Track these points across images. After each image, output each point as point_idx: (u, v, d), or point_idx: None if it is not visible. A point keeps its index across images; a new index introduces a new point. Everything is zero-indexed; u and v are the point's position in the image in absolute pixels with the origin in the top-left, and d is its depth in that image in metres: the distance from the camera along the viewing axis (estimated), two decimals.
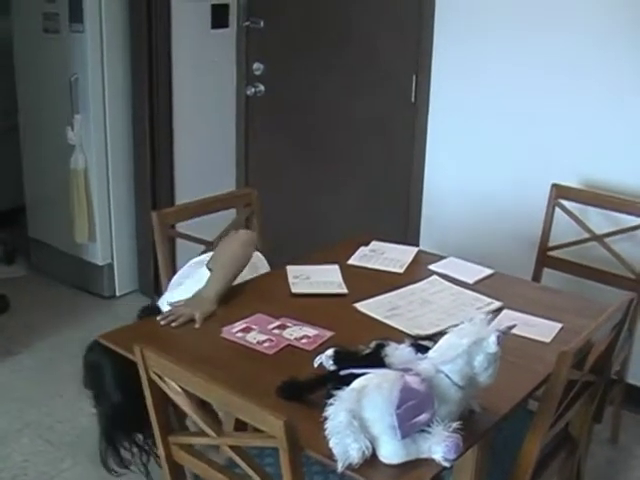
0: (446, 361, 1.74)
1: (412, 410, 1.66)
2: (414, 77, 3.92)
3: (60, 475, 3.11)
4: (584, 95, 3.41)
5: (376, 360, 1.86)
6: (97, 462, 3.13)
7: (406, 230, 4.07)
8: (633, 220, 3.19)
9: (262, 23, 4.35)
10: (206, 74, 4.39)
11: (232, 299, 2.50)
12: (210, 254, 2.60)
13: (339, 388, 1.77)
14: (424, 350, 1.85)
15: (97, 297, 4.63)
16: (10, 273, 4.94)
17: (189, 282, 2.51)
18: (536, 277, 3.36)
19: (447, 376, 1.74)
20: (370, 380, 1.71)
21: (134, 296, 4.68)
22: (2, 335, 4.11)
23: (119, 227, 4.53)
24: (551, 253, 3.36)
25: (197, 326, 2.30)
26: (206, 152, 4.46)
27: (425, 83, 3.86)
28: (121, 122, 4.37)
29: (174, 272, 2.85)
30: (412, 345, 1.89)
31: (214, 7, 4.36)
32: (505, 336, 1.79)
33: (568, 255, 3.34)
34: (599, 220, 3.34)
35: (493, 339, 1.75)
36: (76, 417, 3.49)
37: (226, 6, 4.38)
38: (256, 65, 4.40)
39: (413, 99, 3.95)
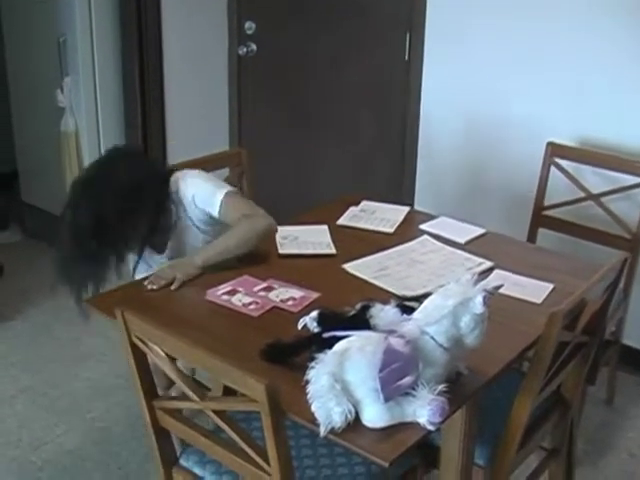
0: (431, 322, 1.71)
1: (396, 373, 1.62)
2: (407, 35, 3.85)
3: (54, 441, 3.10)
4: (581, 52, 3.35)
5: (361, 322, 1.83)
6: (91, 427, 3.15)
7: (401, 190, 4.03)
8: (629, 179, 3.15)
9: None
10: (197, 34, 4.32)
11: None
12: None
13: (322, 351, 1.74)
14: (410, 311, 1.81)
15: None
16: (4, 239, 4.90)
17: None
18: (531, 237, 3.33)
19: (432, 338, 1.71)
20: (353, 343, 1.68)
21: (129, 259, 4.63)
22: None
23: None
24: (546, 212, 3.33)
25: (173, 288, 2.25)
26: (198, 112, 4.40)
27: (419, 41, 3.80)
28: (111, 84, 4.30)
29: None
30: (398, 306, 1.86)
31: None
32: (492, 296, 1.75)
33: (563, 215, 3.30)
34: (595, 179, 3.30)
35: (479, 299, 1.71)
36: (70, 382, 3.47)
37: None
38: (248, 24, 4.32)
39: (407, 57, 3.89)
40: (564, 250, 3.38)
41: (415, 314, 1.75)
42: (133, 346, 1.90)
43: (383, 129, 4.12)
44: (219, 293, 2.21)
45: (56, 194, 4.41)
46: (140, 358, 1.92)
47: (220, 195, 2.44)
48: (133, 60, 4.22)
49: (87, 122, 4.28)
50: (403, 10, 3.83)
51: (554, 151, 3.29)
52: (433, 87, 3.83)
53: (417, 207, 3.89)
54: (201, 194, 2.47)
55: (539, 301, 2.25)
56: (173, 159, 4.33)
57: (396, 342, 1.67)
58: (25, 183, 4.84)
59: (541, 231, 3.33)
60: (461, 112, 3.78)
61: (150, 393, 1.99)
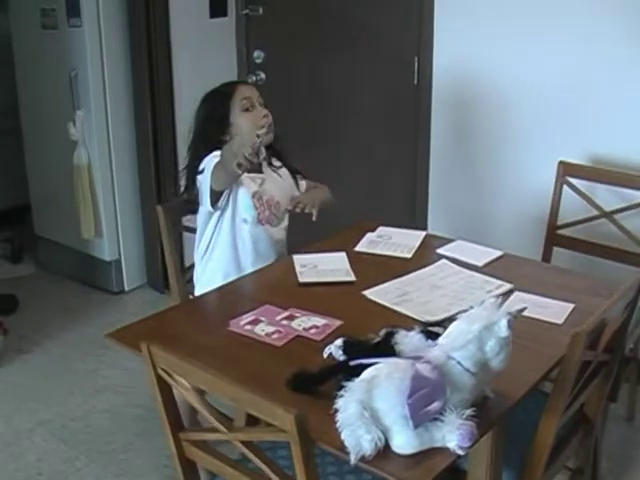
0: (457, 347, 1.71)
1: (424, 399, 1.63)
2: (416, 59, 3.88)
3: (76, 474, 3.10)
4: (591, 70, 3.36)
5: (386, 348, 1.83)
6: (112, 460, 3.15)
7: (414, 214, 4.04)
8: None
9: (261, 10, 4.31)
10: (207, 64, 4.34)
11: (239, 291, 2.49)
12: None
13: (349, 379, 1.74)
14: (434, 337, 1.82)
15: (106, 293, 4.62)
16: (18, 272, 4.93)
17: None
18: (546, 256, 3.33)
19: (459, 363, 1.71)
20: (380, 370, 1.68)
21: (143, 290, 4.67)
22: (13, 334, 4.09)
23: (125, 222, 4.51)
24: (560, 232, 3.33)
25: (314, 218, 2.71)
26: None
27: (427, 64, 3.82)
28: (123, 116, 4.34)
29: (182, 266, 2.86)
30: (422, 332, 1.86)
31: None
32: (516, 319, 1.76)
33: (577, 233, 3.30)
34: (607, 197, 3.30)
35: (504, 323, 1.72)
36: (89, 415, 3.48)
37: None
38: (257, 53, 4.36)
39: (416, 81, 3.91)
40: (579, 269, 3.39)
41: (440, 339, 1.76)
42: (159, 379, 1.90)
43: (395, 152, 4.13)
44: (242, 323, 2.22)
45: (69, 227, 4.49)
46: (166, 390, 1.92)
47: (305, 180, 2.97)
48: (144, 93, 4.26)
49: (99, 155, 4.32)
50: (411, 35, 3.86)
51: (566, 170, 3.30)
52: (442, 110, 3.84)
53: (430, 228, 3.91)
54: (297, 173, 2.97)
55: (560, 321, 2.26)
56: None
57: (423, 368, 1.68)
58: (38, 216, 4.88)
59: (556, 250, 3.33)
60: (471, 133, 3.79)
61: (176, 425, 1.99)
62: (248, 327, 2.20)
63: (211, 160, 2.67)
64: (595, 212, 3.27)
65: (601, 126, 3.38)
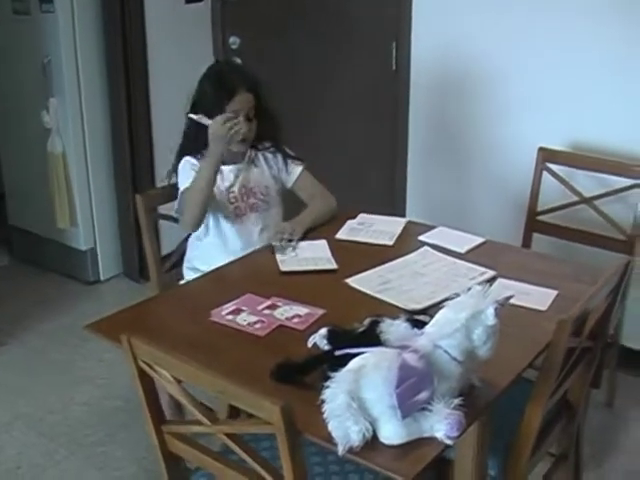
0: (444, 336, 1.69)
1: (412, 388, 1.61)
2: (394, 44, 3.85)
3: (55, 467, 3.06)
4: (570, 54, 3.36)
5: (372, 337, 1.81)
6: (91, 452, 3.11)
7: (393, 202, 4.02)
8: (622, 181, 3.15)
9: None
10: (182, 50, 4.29)
11: (220, 280, 2.46)
12: None
13: (335, 369, 1.72)
14: (420, 325, 1.80)
15: (82, 283, 4.56)
16: None
17: None
18: (526, 242, 3.33)
19: (446, 351, 1.69)
20: (367, 360, 1.66)
21: (119, 280, 4.61)
22: None
23: (100, 211, 4.45)
24: (540, 218, 3.33)
25: (296, 237, 2.66)
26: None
27: (405, 50, 3.80)
28: (97, 103, 4.27)
29: (160, 255, 2.84)
30: (408, 320, 1.84)
31: None
32: (503, 307, 1.74)
33: (557, 219, 3.30)
34: (587, 183, 3.30)
35: (491, 311, 1.70)
36: (67, 407, 3.44)
37: None
38: (232, 39, 4.32)
39: (394, 67, 3.88)
40: (559, 255, 3.39)
41: (427, 328, 1.74)
42: (140, 371, 1.87)
43: (373, 139, 4.11)
44: (223, 313, 2.19)
45: (43, 216, 4.42)
46: (148, 383, 1.89)
47: (300, 167, 2.92)
48: (119, 79, 4.20)
49: (74, 143, 4.25)
50: (389, 19, 3.83)
51: (545, 156, 3.30)
52: (421, 95, 3.82)
53: (409, 216, 3.88)
54: (289, 157, 2.92)
55: (545, 308, 2.25)
56: (160, 174, 4.30)
57: (410, 357, 1.66)
58: (12, 206, 4.80)
59: (535, 236, 3.33)
60: (450, 120, 3.78)
61: (158, 418, 1.96)
62: (230, 317, 2.17)
63: (184, 170, 2.75)
64: (575, 198, 3.26)
65: (581, 112, 3.38)
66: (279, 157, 2.92)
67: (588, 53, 3.30)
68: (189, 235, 2.90)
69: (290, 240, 2.63)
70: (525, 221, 3.34)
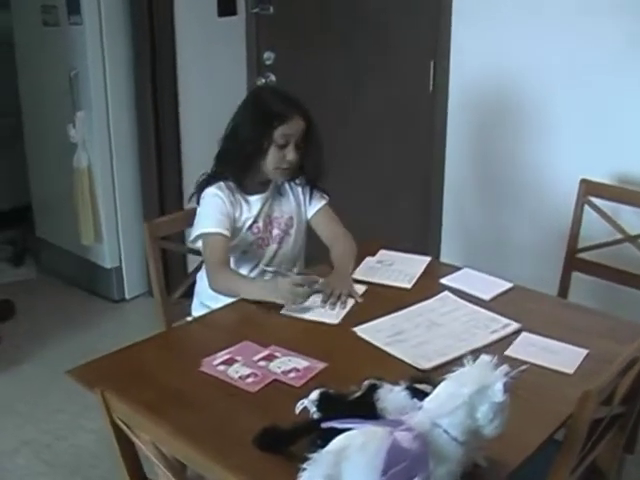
0: (444, 413, 1.49)
1: (401, 474, 1.41)
2: (432, 63, 3.66)
3: None
4: (618, 80, 3.13)
5: (366, 406, 1.62)
6: None
7: (426, 235, 3.82)
8: None
9: (272, 9, 4.12)
10: (214, 66, 4.16)
11: (219, 322, 2.30)
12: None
13: (324, 439, 1.53)
14: (421, 395, 1.60)
15: (106, 300, 4.46)
16: (19, 275, 4.77)
17: None
18: (564, 281, 3.11)
19: (445, 431, 1.49)
20: (353, 439, 1.46)
21: (144, 299, 4.48)
22: (7, 343, 3.94)
23: (126, 228, 4.33)
24: (580, 255, 3.10)
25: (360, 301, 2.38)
26: (215, 146, 4.22)
27: (444, 70, 3.61)
28: (125, 118, 4.16)
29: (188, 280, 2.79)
30: (407, 388, 1.64)
31: None
32: (514, 380, 1.53)
33: (599, 258, 3.07)
34: (633, 219, 3.07)
35: (499, 387, 1.49)
36: (75, 434, 3.31)
37: None
38: (267, 54, 4.17)
39: (431, 88, 3.68)
40: (600, 296, 3.18)
41: (426, 403, 1.54)
42: (115, 427, 1.71)
43: (406, 166, 3.92)
44: (215, 363, 2.01)
45: (69, 231, 4.32)
46: (124, 440, 1.73)
47: (324, 202, 2.74)
48: (147, 94, 4.08)
49: (100, 158, 4.16)
50: (427, 38, 3.64)
51: (588, 189, 3.07)
52: (459, 120, 3.62)
53: (443, 250, 3.72)
54: (315, 190, 2.73)
55: (571, 371, 2.02)
56: (188, 192, 4.14)
57: (403, 437, 1.46)
58: (39, 218, 4.73)
59: (575, 275, 3.11)
60: (488, 147, 3.58)
61: (137, 477, 1.80)
62: (221, 368, 1.99)
63: (210, 205, 2.57)
64: (619, 235, 3.04)
65: (627, 142, 3.16)
66: (307, 188, 2.75)
67: (635, 80, 3.06)
68: (201, 262, 2.73)
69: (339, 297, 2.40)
70: (564, 258, 3.11)
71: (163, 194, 4.26)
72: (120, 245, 4.35)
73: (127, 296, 4.47)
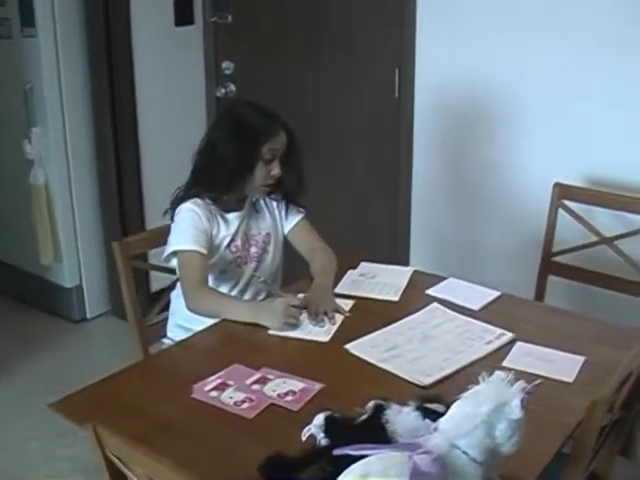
0: (462, 434, 1.44)
1: None
2: (397, 70, 3.61)
3: None
4: (587, 86, 3.11)
5: (376, 428, 1.57)
6: None
7: (395, 244, 3.77)
8: None
9: (230, 18, 4.05)
10: (172, 76, 4.07)
11: (203, 345, 2.22)
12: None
13: (333, 465, 1.47)
14: (433, 416, 1.54)
15: (67, 321, 4.32)
16: None
17: None
18: (540, 285, 3.09)
19: (464, 452, 1.44)
20: (371, 466, 1.40)
21: (106, 318, 4.37)
22: None
23: (86, 245, 4.21)
24: (556, 259, 3.10)
25: (348, 315, 2.32)
26: (176, 160, 4.07)
27: (409, 76, 3.56)
28: (82, 133, 4.04)
29: (149, 299, 2.62)
30: (418, 409, 1.59)
31: (177, 2, 4.04)
32: (530, 395, 1.49)
33: (574, 261, 3.07)
34: (607, 221, 3.06)
35: (517, 403, 1.44)
36: (49, 463, 3.19)
37: (190, 0, 4.07)
38: (226, 64, 4.09)
39: (397, 94, 3.64)
40: (576, 298, 3.17)
41: (442, 424, 1.48)
42: (109, 464, 1.62)
43: (373, 171, 3.87)
44: (207, 389, 1.93)
45: (27, 250, 4.18)
46: (118, 476, 1.64)
47: (301, 215, 2.68)
48: (105, 107, 3.97)
49: (58, 174, 4.03)
50: (391, 44, 3.60)
51: (561, 193, 3.06)
52: (426, 125, 3.59)
53: (413, 259, 3.68)
54: (290, 205, 2.67)
55: (571, 380, 1.99)
56: (151, 211, 4.09)
57: (422, 461, 1.40)
58: None
59: (551, 279, 3.09)
60: (457, 153, 3.55)
61: None
62: (214, 394, 1.91)
63: (186, 220, 2.46)
64: (594, 238, 3.03)
65: (599, 146, 3.15)
66: (282, 203, 2.68)
67: (609, 82, 3.06)
68: (175, 281, 2.65)
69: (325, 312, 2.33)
70: (540, 262, 3.09)
71: (123, 210, 4.16)
72: (80, 263, 4.23)
73: (88, 315, 4.34)
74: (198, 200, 2.49)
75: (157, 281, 3.79)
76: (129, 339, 2.70)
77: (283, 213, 2.68)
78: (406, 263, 3.64)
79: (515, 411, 1.45)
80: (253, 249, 2.59)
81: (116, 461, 1.60)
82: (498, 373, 1.51)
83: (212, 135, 2.55)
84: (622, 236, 2.99)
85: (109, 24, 3.87)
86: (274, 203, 2.67)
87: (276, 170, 2.48)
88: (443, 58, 3.44)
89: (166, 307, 2.73)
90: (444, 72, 3.46)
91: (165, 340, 2.66)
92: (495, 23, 3.26)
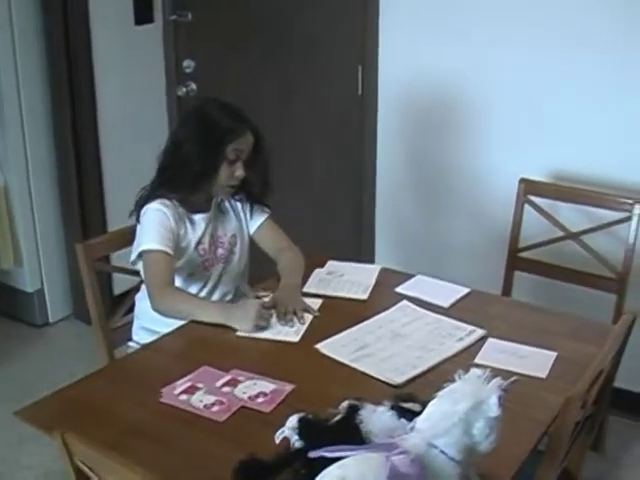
0: (440, 433, 1.42)
1: None
2: (360, 67, 3.59)
3: None
4: (551, 83, 3.13)
5: (350, 429, 1.54)
6: None
7: (360, 236, 3.76)
8: (610, 215, 2.92)
9: (190, 16, 3.98)
10: (132, 76, 4.00)
11: (171, 348, 2.18)
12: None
13: (308, 468, 1.44)
14: (409, 415, 1.52)
15: (29, 326, 4.24)
16: None
17: None
18: (507, 281, 3.10)
19: (442, 451, 1.42)
20: (349, 468, 1.37)
21: (69, 322, 4.30)
22: None
23: (47, 249, 4.13)
24: (522, 254, 3.10)
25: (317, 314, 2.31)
26: (137, 160, 4.01)
27: (372, 73, 3.55)
28: (41, 135, 3.96)
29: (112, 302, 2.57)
30: (392, 408, 1.56)
31: (137, 1, 3.98)
32: (507, 393, 1.47)
33: (541, 256, 3.07)
34: (573, 216, 3.08)
35: (494, 400, 1.43)
36: (11, 472, 3.11)
37: None
38: (186, 62, 4.02)
39: (360, 91, 3.62)
40: (544, 294, 3.17)
41: (419, 423, 1.46)
42: (78, 471, 1.58)
43: (338, 170, 3.85)
44: (176, 392, 1.89)
45: None
46: None
47: (266, 215, 2.64)
48: (64, 108, 3.89)
49: (17, 177, 3.93)
50: (354, 41, 3.58)
51: (527, 188, 3.06)
52: (391, 123, 3.58)
53: (378, 256, 3.65)
54: (255, 205, 2.62)
55: (544, 375, 1.99)
56: (112, 213, 4.03)
57: (400, 461, 1.38)
58: None
59: (517, 275, 3.10)
60: (423, 150, 3.54)
61: None
62: (183, 397, 1.88)
63: (153, 221, 2.40)
64: (560, 233, 3.03)
65: (564, 140, 3.17)
66: (247, 204, 2.64)
67: (574, 79, 3.08)
68: (140, 283, 2.60)
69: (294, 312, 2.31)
70: (507, 258, 3.09)
71: (84, 212, 4.08)
72: (41, 267, 4.15)
73: (51, 320, 4.26)
74: (166, 200, 2.44)
75: (120, 284, 3.73)
76: (93, 343, 2.65)
77: (248, 213, 2.64)
78: (371, 261, 3.62)
79: (493, 409, 1.44)
80: (220, 251, 2.56)
81: (85, 469, 1.56)
82: (474, 371, 1.50)
83: (178, 133, 2.51)
84: (588, 231, 2.99)
85: (68, 24, 3.79)
86: (239, 204, 2.63)
87: (240, 171, 2.44)
88: (407, 55, 3.43)
89: (130, 310, 2.68)
90: (408, 69, 3.45)
91: (130, 343, 2.61)
92: (459, 20, 3.26)
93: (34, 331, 4.21)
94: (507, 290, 3.08)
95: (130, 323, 2.66)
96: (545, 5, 3.05)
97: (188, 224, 2.48)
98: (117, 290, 3.94)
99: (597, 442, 2.29)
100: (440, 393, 1.47)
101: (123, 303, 2.71)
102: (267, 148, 2.54)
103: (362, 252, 3.72)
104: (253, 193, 2.60)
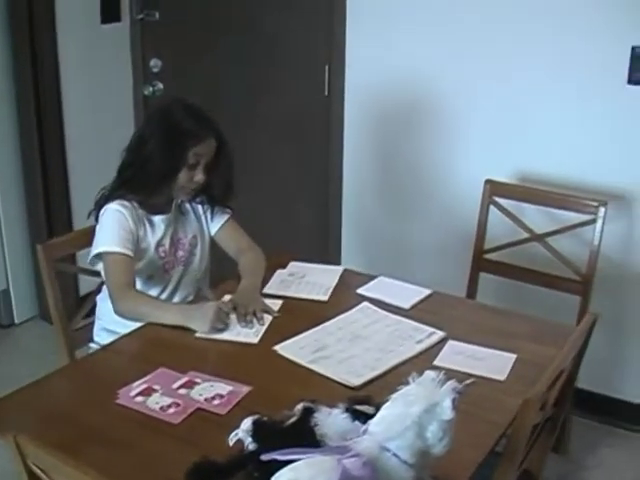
0: (392, 436, 1.41)
1: None
2: (327, 67, 3.59)
3: None
4: (517, 85, 3.13)
5: (304, 433, 1.52)
6: None
7: (326, 237, 3.75)
8: (575, 217, 2.94)
9: (157, 15, 3.96)
10: (98, 75, 3.96)
11: (129, 349, 2.16)
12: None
13: (260, 471, 1.43)
14: (363, 418, 1.51)
15: None
16: None
17: None
18: (472, 283, 3.11)
19: (395, 454, 1.41)
20: (300, 472, 1.36)
21: (35, 322, 4.23)
22: None
23: (12, 248, 4.07)
24: (487, 256, 3.11)
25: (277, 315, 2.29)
26: (103, 159, 3.96)
27: (339, 74, 3.54)
28: (6, 134, 3.90)
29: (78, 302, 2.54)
30: (347, 410, 1.55)
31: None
32: (461, 395, 1.46)
33: (506, 258, 3.08)
34: (538, 218, 3.09)
35: (448, 403, 1.42)
36: None
37: None
38: (153, 62, 4.01)
39: (326, 92, 3.61)
40: (509, 296, 3.17)
41: (371, 426, 1.45)
42: (30, 473, 1.56)
43: (304, 171, 3.84)
44: (132, 394, 1.87)
45: None
46: None
47: (227, 216, 2.61)
48: (29, 107, 3.83)
49: None
50: (321, 41, 3.57)
51: (493, 190, 3.07)
52: (357, 124, 3.57)
53: (344, 255, 3.64)
54: (216, 207, 2.59)
55: (503, 377, 1.98)
56: (77, 209, 3.99)
57: (352, 465, 1.37)
58: None
59: (482, 276, 3.10)
60: (389, 151, 3.53)
61: None
62: (139, 399, 1.85)
63: (112, 221, 2.38)
64: (525, 235, 3.04)
65: (530, 143, 3.17)
66: (208, 206, 2.61)
67: (540, 81, 3.08)
68: (101, 284, 2.57)
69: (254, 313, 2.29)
70: (471, 260, 3.10)
71: (50, 212, 4.04)
72: (7, 267, 4.10)
73: (16, 320, 4.21)
74: (125, 202, 2.42)
75: (86, 284, 3.69)
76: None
77: (209, 215, 2.62)
78: (337, 262, 3.61)
79: (446, 412, 1.43)
80: (180, 253, 2.53)
81: (38, 472, 1.54)
82: (428, 373, 1.49)
83: (141, 131, 2.48)
84: (553, 233, 3.00)
85: (33, 22, 3.74)
86: (199, 206, 2.61)
87: (199, 176, 2.42)
88: (374, 55, 3.42)
89: (92, 311, 2.65)
90: (375, 69, 3.44)
91: (92, 344, 2.58)
92: (426, 21, 3.26)
93: None
94: (472, 292, 3.08)
95: (92, 324, 2.63)
96: (512, 5, 3.05)
97: (148, 226, 2.45)
98: (83, 290, 3.90)
99: (559, 444, 2.28)
100: (394, 396, 1.46)
101: (85, 304, 2.69)
102: (231, 152, 2.50)
103: (328, 253, 3.72)
104: (214, 196, 2.57)
